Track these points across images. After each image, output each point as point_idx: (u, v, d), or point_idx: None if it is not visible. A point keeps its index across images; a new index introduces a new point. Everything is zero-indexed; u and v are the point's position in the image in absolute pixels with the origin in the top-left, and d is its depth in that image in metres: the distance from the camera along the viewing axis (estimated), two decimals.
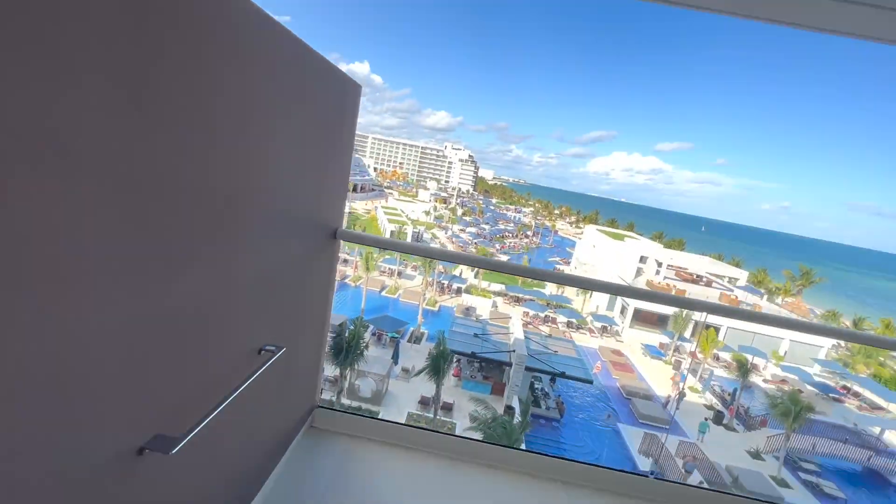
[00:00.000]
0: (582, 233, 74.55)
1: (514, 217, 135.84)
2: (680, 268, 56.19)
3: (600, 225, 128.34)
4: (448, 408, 22.97)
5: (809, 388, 35.66)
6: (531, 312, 42.78)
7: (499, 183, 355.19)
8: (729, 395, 31.58)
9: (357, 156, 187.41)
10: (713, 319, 42.09)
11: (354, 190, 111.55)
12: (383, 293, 41.30)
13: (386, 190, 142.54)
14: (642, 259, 53.85)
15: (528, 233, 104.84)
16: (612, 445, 23.86)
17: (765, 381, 37.32)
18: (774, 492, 21.03)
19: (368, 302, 36.78)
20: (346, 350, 17.99)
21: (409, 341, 30.99)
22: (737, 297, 46.96)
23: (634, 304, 43.11)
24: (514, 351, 25.16)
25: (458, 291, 45.52)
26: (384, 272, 47.57)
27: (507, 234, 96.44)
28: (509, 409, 22.37)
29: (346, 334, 18.35)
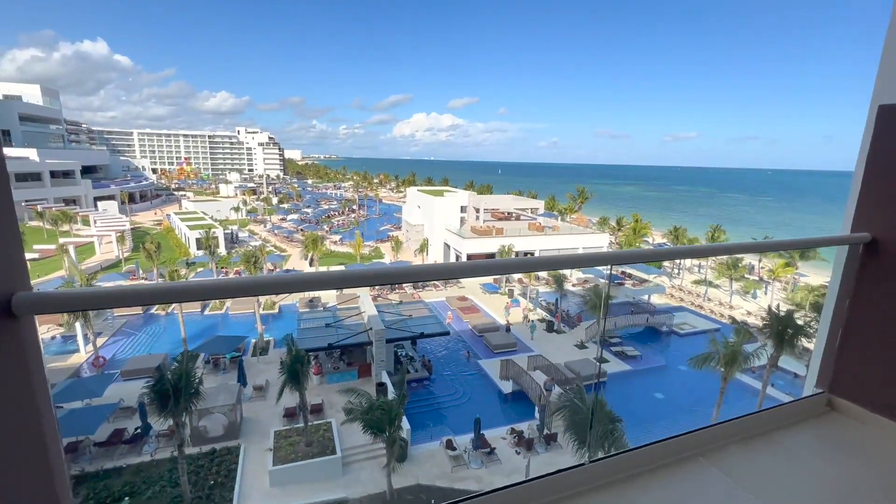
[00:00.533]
0: (404, 196, 76.75)
1: (336, 194, 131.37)
2: (494, 209, 63.21)
3: (419, 185, 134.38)
4: (318, 410, 21.50)
5: (602, 281, 45.20)
6: (377, 285, 42.69)
7: (310, 162, 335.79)
8: (553, 305, 37.77)
9: (124, 157, 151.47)
10: (529, 247, 49.07)
11: (132, 200, 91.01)
12: (206, 312, 35.36)
13: (177, 193, 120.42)
14: (463, 209, 58.50)
15: (354, 207, 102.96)
16: (479, 382, 26.13)
17: (573, 285, 45.79)
18: (597, 369, 26.31)
19: (193, 326, 31.07)
20: (174, 394, 14.63)
21: (253, 356, 27.52)
22: (540, 223, 55.47)
23: (466, 249, 47.00)
24: (370, 329, 24.70)
25: None
26: None
27: (332, 213, 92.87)
28: (381, 385, 22.15)
29: (169, 375, 14.87)
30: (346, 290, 41.53)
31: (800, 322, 20.38)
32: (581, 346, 31.06)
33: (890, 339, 2.26)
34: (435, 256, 54.37)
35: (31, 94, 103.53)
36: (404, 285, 43.60)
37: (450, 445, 19.35)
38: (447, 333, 27.14)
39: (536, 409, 21.48)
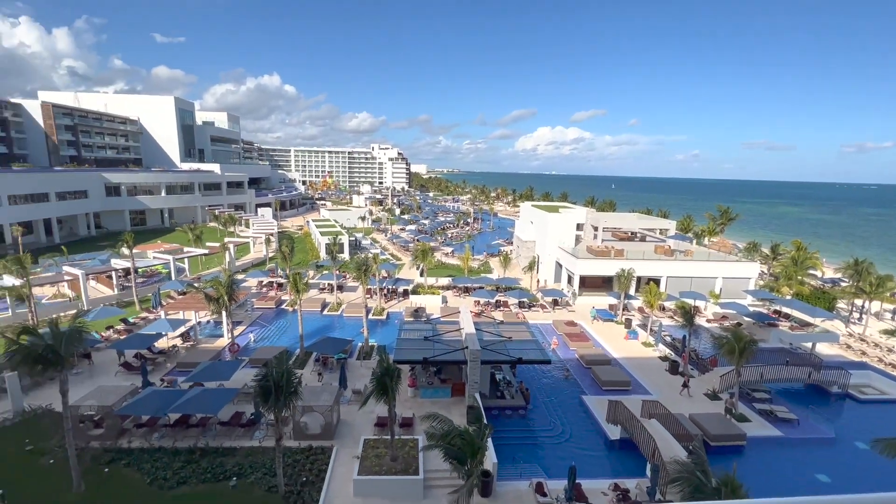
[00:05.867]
0: (519, 211, 75.24)
1: (453, 207, 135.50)
2: (615, 229, 58.03)
3: (535, 200, 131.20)
4: (408, 424, 21.36)
5: (747, 319, 37.77)
6: (482, 300, 41.99)
7: (434, 176, 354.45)
8: (679, 342, 32.57)
9: (281, 171, 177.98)
10: (654, 272, 43.59)
11: (283, 207, 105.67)
12: (325, 312, 38.58)
13: (319, 202, 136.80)
14: (579, 227, 54.86)
15: (469, 220, 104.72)
16: (582, 421, 23.42)
17: (708, 321, 39.12)
18: (736, 430, 21.50)
19: (310, 324, 34.08)
20: (275, 391, 15.74)
21: (358, 359, 28.89)
22: (669, 245, 49.07)
23: (579, 270, 43.61)
24: (466, 348, 23.93)
25: (406, 294, 43.80)
26: (323, 289, 44.63)
27: (447, 225, 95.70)
28: (471, 409, 21.14)
29: (274, 373, 16.07)
30: (449, 303, 41.72)
31: None
32: (713, 396, 26.00)
33: None
34: (545, 275, 51.77)
35: (220, 120, 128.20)
36: (510, 303, 42.12)
37: (540, 490, 17.41)
38: (548, 362, 24.98)
39: (648, 466, 18.24)
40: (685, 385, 26.41)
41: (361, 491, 16.98)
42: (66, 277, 38.75)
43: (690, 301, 37.71)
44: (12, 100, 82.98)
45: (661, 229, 59.16)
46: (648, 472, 18.09)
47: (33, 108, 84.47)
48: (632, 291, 42.10)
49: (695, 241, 60.32)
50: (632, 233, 58.69)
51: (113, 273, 41.03)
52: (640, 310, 40.78)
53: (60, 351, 15.32)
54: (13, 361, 15.63)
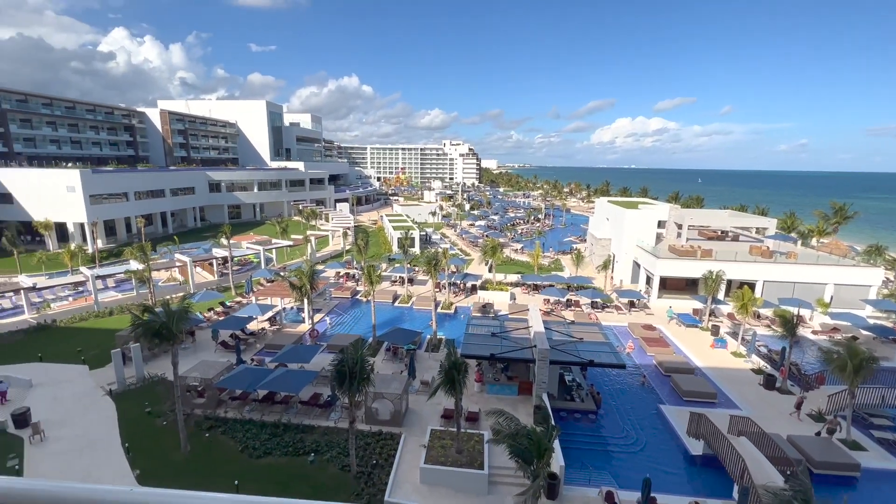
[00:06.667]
0: (594, 207, 71.82)
1: (524, 203, 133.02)
2: (702, 227, 53.30)
3: (612, 195, 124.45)
4: (474, 418, 21.49)
5: (865, 332, 32.82)
6: (552, 299, 40.87)
7: (504, 171, 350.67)
8: (777, 354, 29.18)
9: (358, 168, 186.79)
10: (748, 276, 39.42)
11: (359, 203, 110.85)
12: (396, 304, 39.96)
13: (392, 197, 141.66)
14: (661, 224, 51.15)
15: (539, 216, 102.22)
16: (658, 431, 21.95)
17: (814, 332, 34.58)
18: (848, 458, 18.82)
19: (382, 315, 35.53)
20: (349, 377, 16.68)
21: (426, 350, 29.59)
22: (767, 246, 43.99)
23: (659, 270, 40.71)
24: (534, 346, 23.45)
25: (474, 289, 43.92)
26: (395, 281, 46.24)
27: (518, 221, 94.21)
28: (538, 409, 20.71)
29: (349, 359, 17.05)
30: (518, 300, 41.14)
31: None
32: (818, 417, 22.98)
33: None
34: (621, 275, 49.04)
35: (304, 121, 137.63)
36: (581, 303, 40.52)
37: (610, 499, 16.64)
38: (623, 367, 23.63)
39: (736, 488, 16.62)
40: (798, 406, 23.40)
41: (427, 479, 17.43)
42: (177, 264, 44.16)
43: (792, 309, 33.54)
44: (138, 109, 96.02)
45: (757, 228, 53.29)
46: (735, 495, 16.51)
47: (153, 115, 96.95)
48: (720, 296, 38.45)
49: (799, 242, 53.49)
50: (722, 231, 53.55)
51: (213, 261, 45.97)
52: (730, 316, 37.12)
53: (173, 328, 17.53)
54: (137, 334, 18.18)
